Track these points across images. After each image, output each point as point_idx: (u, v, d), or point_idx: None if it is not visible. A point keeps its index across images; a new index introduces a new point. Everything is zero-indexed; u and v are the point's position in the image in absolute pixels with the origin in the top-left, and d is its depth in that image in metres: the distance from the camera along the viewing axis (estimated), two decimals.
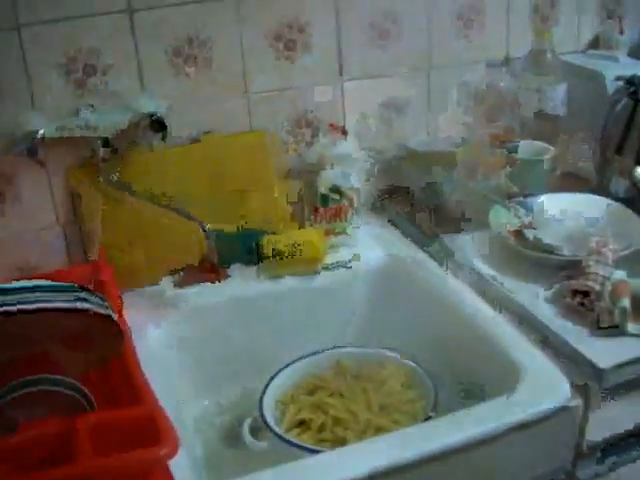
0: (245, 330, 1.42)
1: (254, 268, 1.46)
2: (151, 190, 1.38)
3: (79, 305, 1.03)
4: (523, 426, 1.10)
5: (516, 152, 1.52)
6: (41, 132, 1.29)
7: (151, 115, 1.34)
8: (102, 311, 1.06)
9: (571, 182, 1.58)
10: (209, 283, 1.43)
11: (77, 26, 1.31)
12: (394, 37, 1.54)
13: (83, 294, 1.05)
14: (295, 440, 1.21)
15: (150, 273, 1.42)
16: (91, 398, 1.05)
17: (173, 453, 0.95)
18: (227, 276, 1.45)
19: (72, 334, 1.06)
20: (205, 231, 1.35)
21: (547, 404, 1.12)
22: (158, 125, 1.33)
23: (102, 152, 1.34)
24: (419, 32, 1.56)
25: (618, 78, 1.49)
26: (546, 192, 1.51)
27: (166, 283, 1.43)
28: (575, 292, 1.25)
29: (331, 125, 1.48)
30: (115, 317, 1.07)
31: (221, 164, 1.45)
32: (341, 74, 1.52)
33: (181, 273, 1.44)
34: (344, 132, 1.48)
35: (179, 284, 1.42)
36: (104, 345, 1.09)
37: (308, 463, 1.07)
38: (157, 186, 1.39)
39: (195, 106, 1.43)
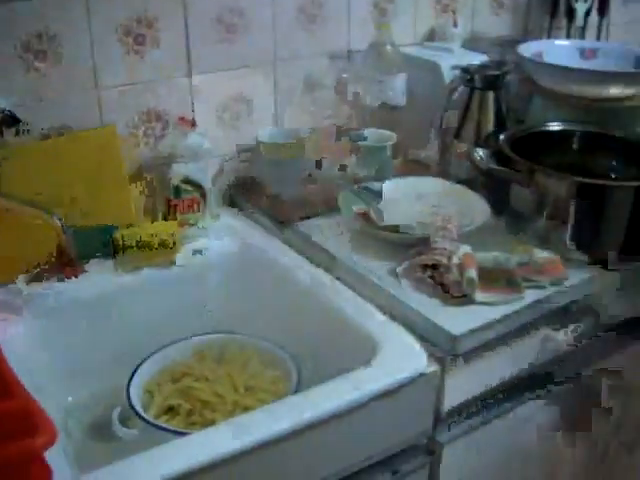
0: (106, 324, 1.42)
1: (111, 262, 1.46)
2: (4, 187, 1.36)
3: None
4: (382, 395, 1.16)
5: (361, 140, 1.59)
6: None
7: (2, 111, 1.32)
8: None
9: (413, 168, 1.67)
10: (66, 279, 1.42)
11: None
12: (241, 31, 1.58)
13: None
14: (165, 425, 1.24)
15: (5, 271, 1.39)
16: None
17: (52, 441, 0.96)
18: (84, 271, 1.44)
19: None
20: (62, 225, 1.34)
21: (405, 372, 1.19)
22: (11, 119, 1.31)
23: None
24: (265, 26, 1.61)
25: (455, 67, 1.59)
26: (391, 177, 1.58)
27: (22, 281, 1.41)
28: (425, 266, 1.33)
29: (181, 118, 1.51)
30: None
31: (73, 159, 1.44)
32: (189, 68, 1.54)
33: (38, 270, 1.42)
34: (194, 125, 1.50)
35: (35, 281, 1.41)
36: None
37: (178, 443, 1.08)
38: (10, 183, 1.36)
39: (46, 101, 1.42)
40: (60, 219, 1.33)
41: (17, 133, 1.34)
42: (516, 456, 1.47)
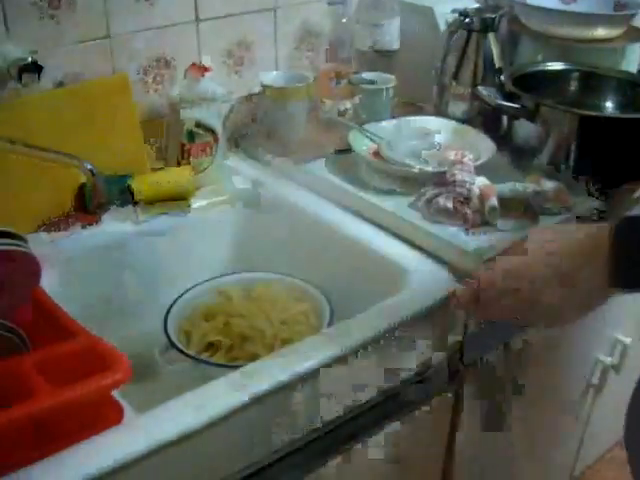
0: (128, 270, 1.40)
1: (127, 209, 1.42)
2: (22, 138, 1.29)
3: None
4: (419, 318, 1.17)
5: (366, 83, 1.59)
6: None
7: (22, 59, 1.27)
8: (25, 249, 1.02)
9: (408, 109, 1.68)
10: (88, 226, 1.38)
11: None
12: None
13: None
14: (212, 360, 1.22)
15: (26, 221, 1.34)
16: (25, 338, 1.00)
17: (126, 377, 0.94)
18: (101, 219, 1.40)
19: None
20: (92, 170, 1.29)
21: (436, 294, 1.19)
22: (33, 66, 1.26)
23: None
24: None
25: (454, 11, 1.59)
26: (392, 117, 1.58)
27: (43, 230, 1.35)
28: (446, 198, 1.34)
29: (193, 64, 1.47)
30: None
31: (86, 107, 1.39)
32: (197, 15, 1.51)
33: (59, 218, 1.37)
34: (206, 70, 1.47)
35: (56, 229, 1.36)
36: (24, 284, 1.05)
37: (248, 370, 1.06)
38: (26, 131, 1.30)
39: (59, 49, 1.37)
40: (91, 165, 1.29)
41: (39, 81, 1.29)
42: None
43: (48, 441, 0.91)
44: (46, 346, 1.01)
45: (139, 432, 0.95)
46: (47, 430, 0.92)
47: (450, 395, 1.35)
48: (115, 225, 1.40)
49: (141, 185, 1.43)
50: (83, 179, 1.39)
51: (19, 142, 1.27)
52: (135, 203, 1.42)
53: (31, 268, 1.04)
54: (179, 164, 1.50)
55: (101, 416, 0.96)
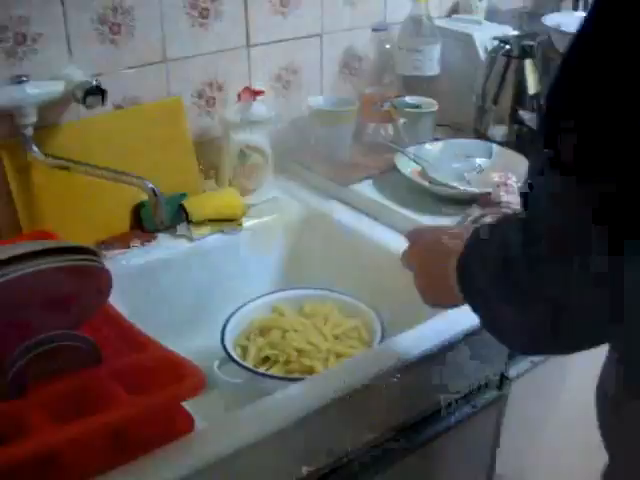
0: (181, 287, 1.42)
1: (181, 228, 1.44)
2: (80, 158, 1.32)
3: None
4: (471, 334, 1.18)
5: (405, 106, 1.62)
6: None
7: (85, 83, 1.30)
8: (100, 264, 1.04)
9: (447, 132, 1.70)
10: (139, 245, 1.40)
11: None
12: (293, 4, 1.58)
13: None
14: (271, 373, 1.24)
15: (85, 239, 1.33)
16: (99, 349, 1.02)
17: (203, 385, 0.96)
18: (155, 237, 1.43)
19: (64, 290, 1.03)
20: (154, 189, 1.31)
21: None
22: (96, 89, 1.29)
23: (33, 123, 1.27)
24: (314, 1, 1.62)
25: (495, 38, 1.62)
26: (434, 140, 1.62)
27: (102, 247, 1.38)
28: (492, 219, 1.35)
29: (246, 88, 1.50)
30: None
31: (142, 129, 1.43)
32: (248, 40, 1.54)
33: (116, 236, 1.40)
34: (257, 94, 1.50)
35: (115, 246, 1.39)
36: (96, 297, 1.07)
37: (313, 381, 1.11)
38: (85, 152, 1.34)
39: (118, 73, 1.40)
40: (153, 185, 1.30)
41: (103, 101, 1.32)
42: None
43: (126, 448, 0.93)
44: (119, 357, 1.04)
45: (210, 441, 0.97)
46: (126, 438, 0.94)
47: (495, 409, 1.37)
48: (171, 242, 1.44)
49: (195, 205, 1.46)
50: (140, 198, 1.44)
51: (86, 164, 1.32)
52: (189, 222, 1.46)
53: (103, 282, 1.06)
54: (230, 184, 1.53)
55: (175, 425, 0.98)
